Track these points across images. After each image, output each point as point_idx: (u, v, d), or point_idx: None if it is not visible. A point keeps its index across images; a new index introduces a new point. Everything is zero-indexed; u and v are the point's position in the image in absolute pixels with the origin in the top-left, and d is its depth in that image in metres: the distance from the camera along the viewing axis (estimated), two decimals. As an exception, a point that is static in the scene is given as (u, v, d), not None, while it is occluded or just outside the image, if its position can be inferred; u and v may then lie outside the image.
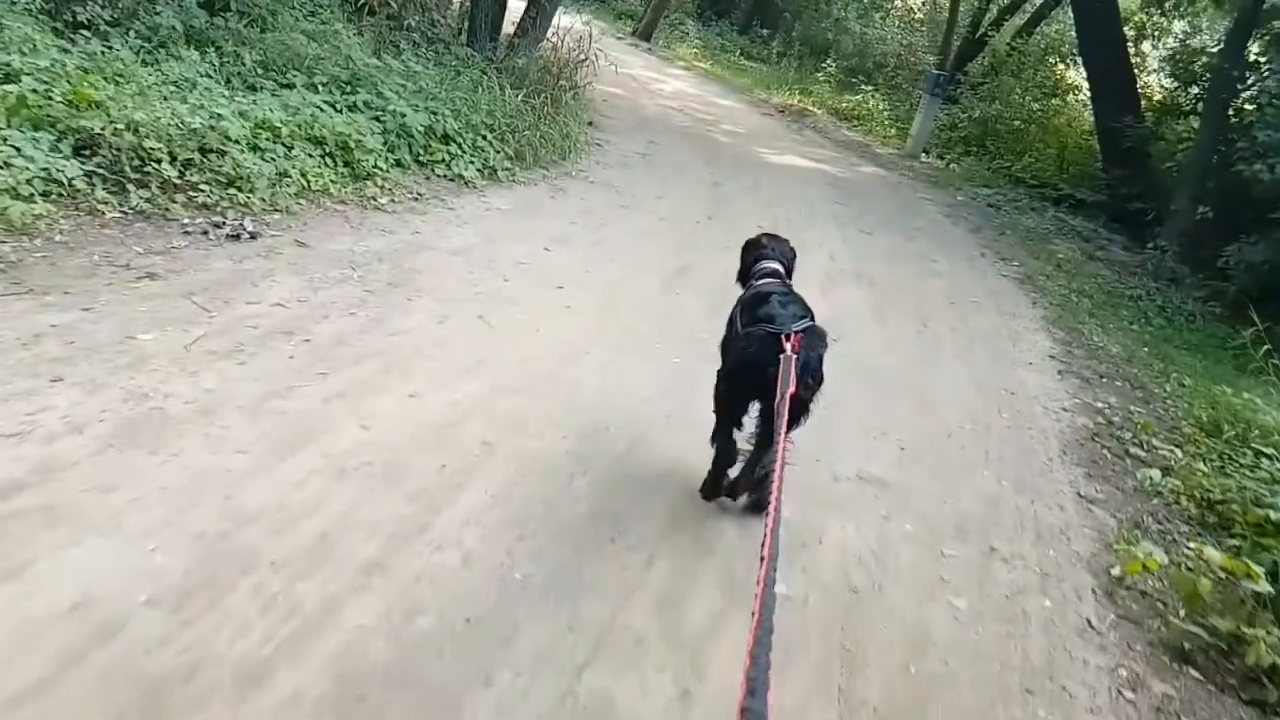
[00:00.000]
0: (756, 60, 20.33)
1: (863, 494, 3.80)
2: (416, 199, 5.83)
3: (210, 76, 5.70)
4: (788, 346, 2.71)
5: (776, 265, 3.46)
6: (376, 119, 6.32)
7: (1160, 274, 9.20)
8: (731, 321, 3.21)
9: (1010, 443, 4.73)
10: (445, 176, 6.41)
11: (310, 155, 5.51)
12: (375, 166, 5.86)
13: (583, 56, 9.44)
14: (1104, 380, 6.04)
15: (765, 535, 1.61)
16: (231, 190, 4.77)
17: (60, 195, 4.17)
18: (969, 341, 5.97)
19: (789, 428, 2.49)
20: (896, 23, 21.21)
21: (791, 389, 2.51)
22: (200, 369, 3.33)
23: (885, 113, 15.48)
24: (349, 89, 6.46)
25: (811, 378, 2.78)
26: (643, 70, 14.80)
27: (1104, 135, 12.25)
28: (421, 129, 6.40)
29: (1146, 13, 18.61)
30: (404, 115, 6.34)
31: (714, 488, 3.24)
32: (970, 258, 8.21)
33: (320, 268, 4.43)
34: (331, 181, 5.46)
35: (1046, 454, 4.77)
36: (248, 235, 4.53)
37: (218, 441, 2.97)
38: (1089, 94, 13.51)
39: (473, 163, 6.66)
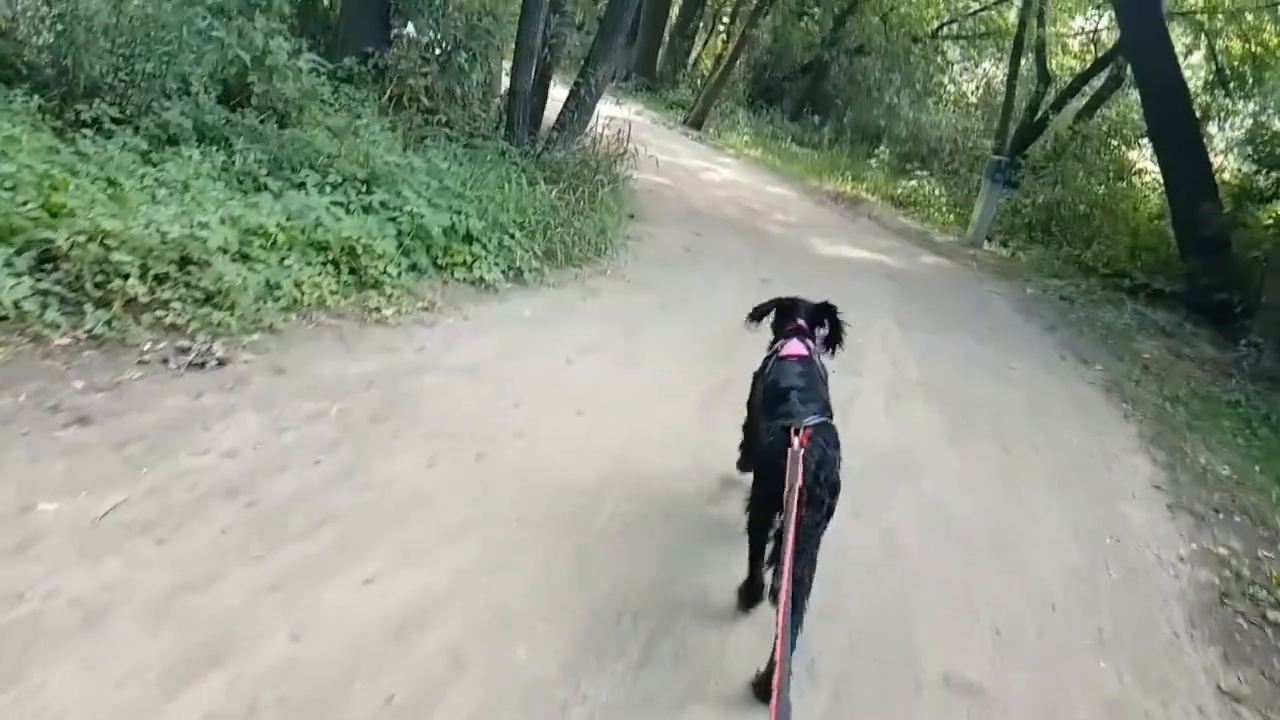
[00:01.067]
0: (808, 147, 19.80)
1: (953, 710, 2.86)
2: (428, 308, 5.15)
3: (211, 177, 5.16)
4: (796, 441, 2.61)
5: (803, 329, 3.46)
6: (392, 220, 5.72)
7: (1258, 375, 8.07)
8: (754, 382, 3.45)
9: (1125, 613, 3.75)
10: (465, 280, 5.74)
11: (309, 263, 4.89)
12: (385, 273, 5.21)
13: (623, 149, 8.84)
14: (1220, 516, 5.01)
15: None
16: (207, 308, 4.12)
17: (2, 319, 3.55)
18: (1059, 470, 5.00)
19: (811, 539, 2.55)
20: (950, 108, 20.56)
21: (799, 482, 2.46)
22: (105, 552, 2.59)
23: (943, 199, 14.68)
24: (365, 189, 5.90)
25: (826, 480, 2.63)
26: (691, 159, 14.29)
27: (1180, 222, 11.24)
28: (441, 230, 5.78)
29: (1211, 95, 17.68)
30: (422, 216, 5.74)
31: (753, 593, 2.96)
32: (1049, 362, 7.23)
33: (293, 401, 3.72)
34: (330, 292, 4.82)
35: (1171, 627, 3.78)
36: (215, 362, 3.85)
37: (96, 668, 2.21)
38: (1160, 178, 12.57)
39: (497, 264, 6.00)
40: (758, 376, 3.41)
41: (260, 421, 3.51)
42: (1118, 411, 6.30)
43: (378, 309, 4.89)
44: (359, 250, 5.16)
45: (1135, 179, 15.87)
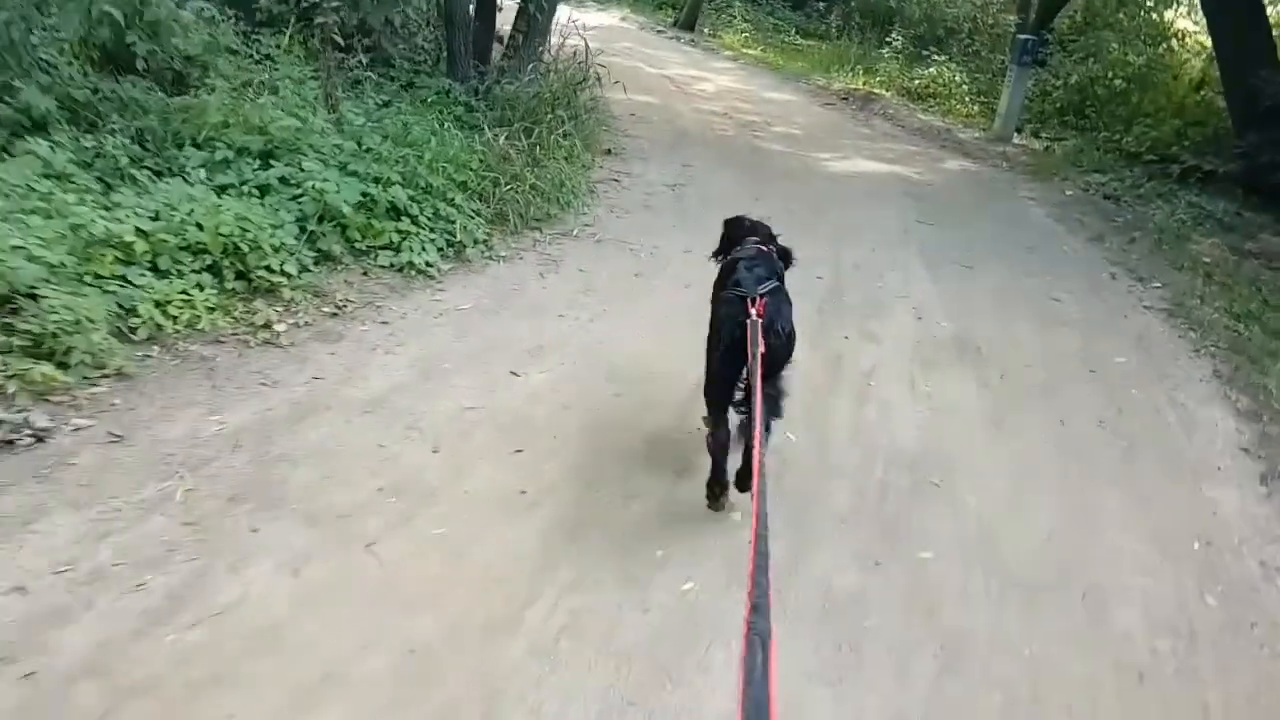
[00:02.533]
0: (814, 38, 18.08)
1: None
2: (336, 312, 4.18)
3: (58, 177, 4.16)
4: (753, 311, 2.68)
5: (760, 247, 3.32)
6: (295, 200, 4.71)
7: (1335, 267, 6.89)
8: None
9: (1235, 669, 2.80)
10: (391, 266, 4.75)
11: (180, 274, 3.93)
12: (281, 272, 4.24)
13: (584, 74, 7.63)
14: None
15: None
16: (29, 361, 3.20)
17: None
18: (1129, 446, 3.98)
19: (768, 381, 2.70)
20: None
21: (761, 349, 2.53)
22: None
23: (964, 87, 13.15)
24: (262, 163, 4.87)
25: (786, 337, 2.82)
26: (682, 68, 12.89)
27: (1234, 92, 9.76)
28: (355, 206, 4.75)
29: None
30: (333, 190, 4.70)
31: (717, 489, 2.97)
32: (1099, 285, 6.10)
33: (127, 486, 2.82)
34: (207, 309, 3.86)
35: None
36: (30, 436, 2.96)
37: None
38: (1210, 42, 10.99)
39: (431, 241, 4.99)
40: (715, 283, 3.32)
41: (74, 526, 2.62)
42: (1185, 344, 5.20)
43: (267, 324, 3.93)
44: (245, 247, 4.18)
45: (1174, 42, 14.14)
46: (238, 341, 3.78)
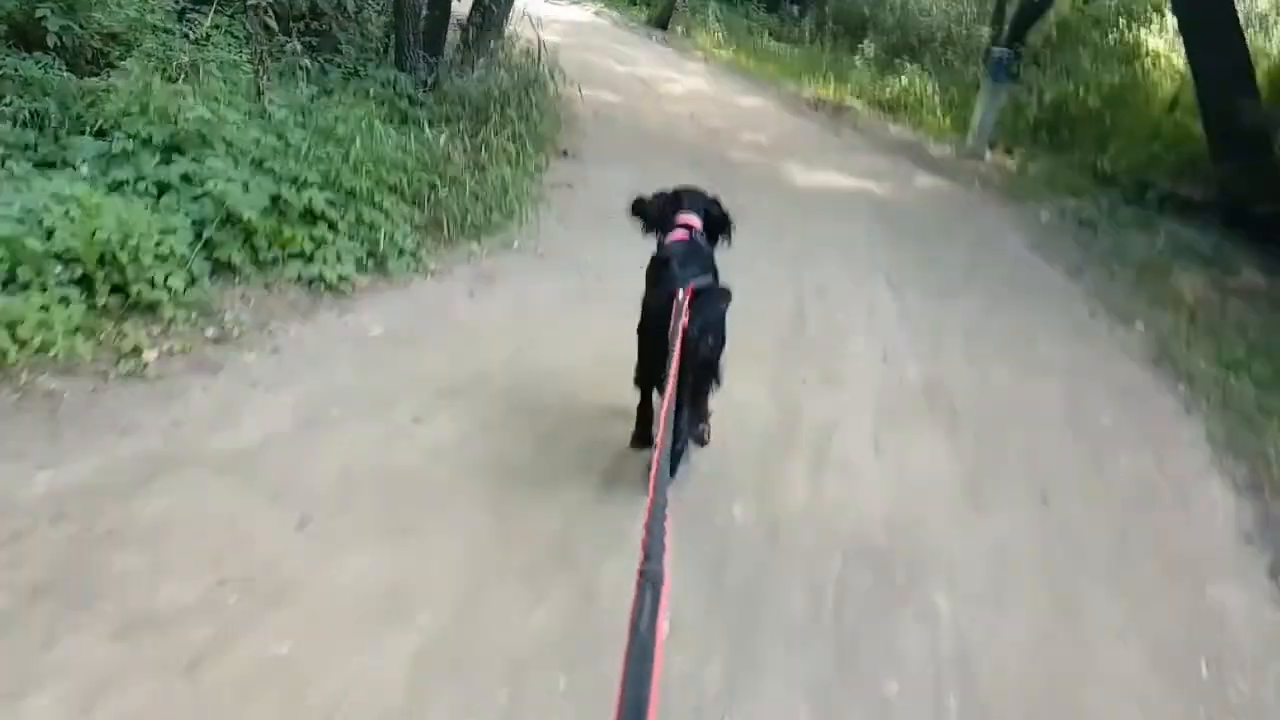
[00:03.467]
0: (787, 42, 17.51)
1: None
2: (220, 337, 3.52)
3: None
4: (681, 293, 2.61)
5: (693, 218, 3.24)
6: (195, 201, 4.03)
7: (1320, 309, 6.49)
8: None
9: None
10: (299, 280, 4.08)
11: (43, 287, 3.25)
12: (165, 286, 3.57)
13: (537, 71, 6.98)
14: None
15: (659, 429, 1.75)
16: None
17: None
18: (1120, 533, 3.45)
19: (700, 394, 2.88)
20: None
21: (683, 322, 2.48)
22: None
23: (936, 99, 12.66)
24: (164, 157, 4.17)
25: (712, 335, 2.75)
26: (651, 67, 12.24)
27: (1212, 119, 9.35)
28: (261, 211, 4.07)
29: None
30: (241, 191, 4.02)
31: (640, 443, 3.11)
32: (1080, 326, 5.60)
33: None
34: (67, 331, 3.19)
35: None
36: None
37: None
38: (1185, 63, 10.61)
39: (349, 252, 4.33)
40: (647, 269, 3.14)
41: None
42: (1174, 400, 4.71)
43: (136, 350, 3.26)
44: (125, 256, 3.50)
45: (1148, 62, 13.81)
46: (95, 373, 3.11)
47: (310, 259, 4.20)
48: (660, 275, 2.86)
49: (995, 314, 5.47)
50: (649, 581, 1.10)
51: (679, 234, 3.12)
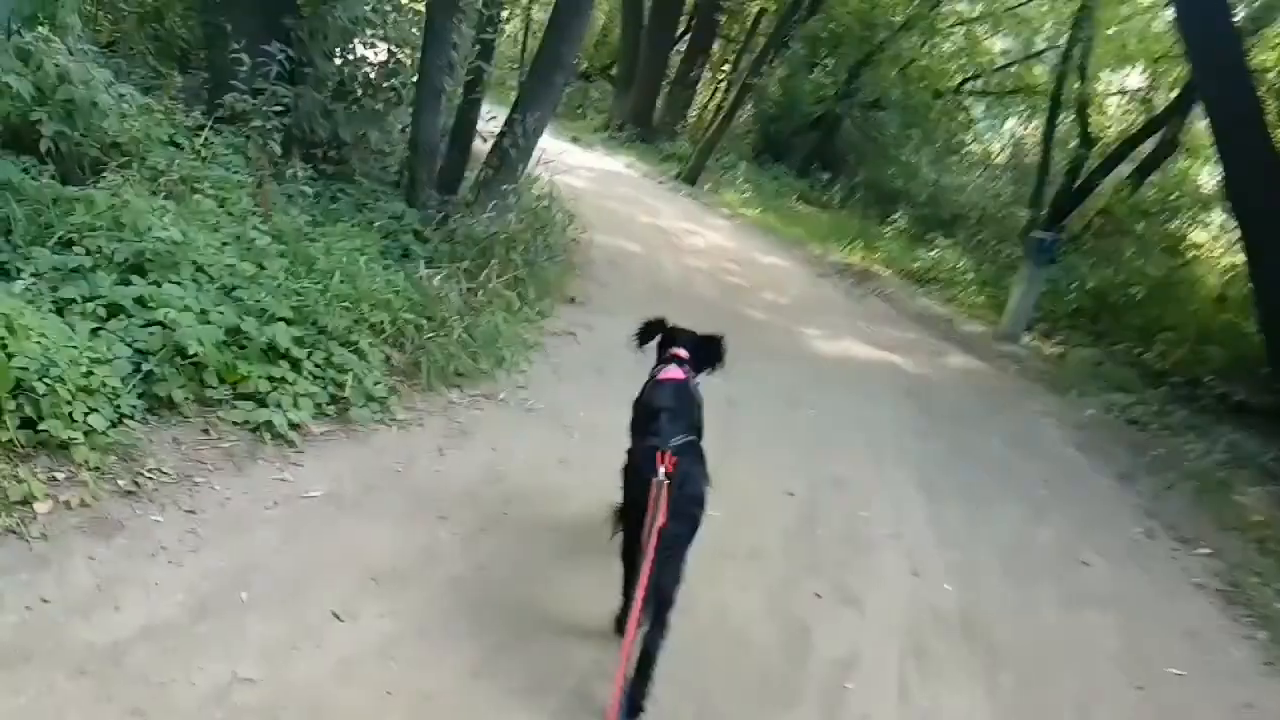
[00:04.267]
0: (815, 206, 17.88)
1: None
2: (133, 489, 3.09)
3: None
4: (661, 470, 2.66)
5: (682, 353, 3.42)
6: (147, 328, 3.72)
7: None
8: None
9: None
10: (245, 425, 3.70)
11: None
12: (84, 424, 3.19)
13: (549, 218, 6.89)
14: None
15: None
16: None
17: None
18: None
19: (677, 551, 2.67)
20: (976, 169, 18.64)
21: (661, 522, 2.51)
22: None
23: (969, 275, 12.63)
24: (121, 278, 3.92)
25: (690, 496, 2.72)
26: (675, 219, 12.33)
27: (1271, 319, 9.13)
28: (215, 344, 3.75)
29: None
30: (178, 323, 3.71)
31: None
32: (1135, 546, 5.09)
33: None
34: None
35: None
36: None
37: None
38: (1246, 261, 10.51)
39: (309, 396, 3.96)
40: (635, 402, 3.36)
41: None
42: (1253, 649, 4.14)
43: (27, 500, 2.84)
44: (43, 387, 3.15)
45: (1192, 255, 13.87)
46: (-49, 541, 2.67)
47: (263, 401, 3.83)
48: (645, 421, 3.07)
49: (1039, 525, 4.97)
50: None
51: (671, 371, 3.29)
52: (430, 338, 4.71)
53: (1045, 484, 5.68)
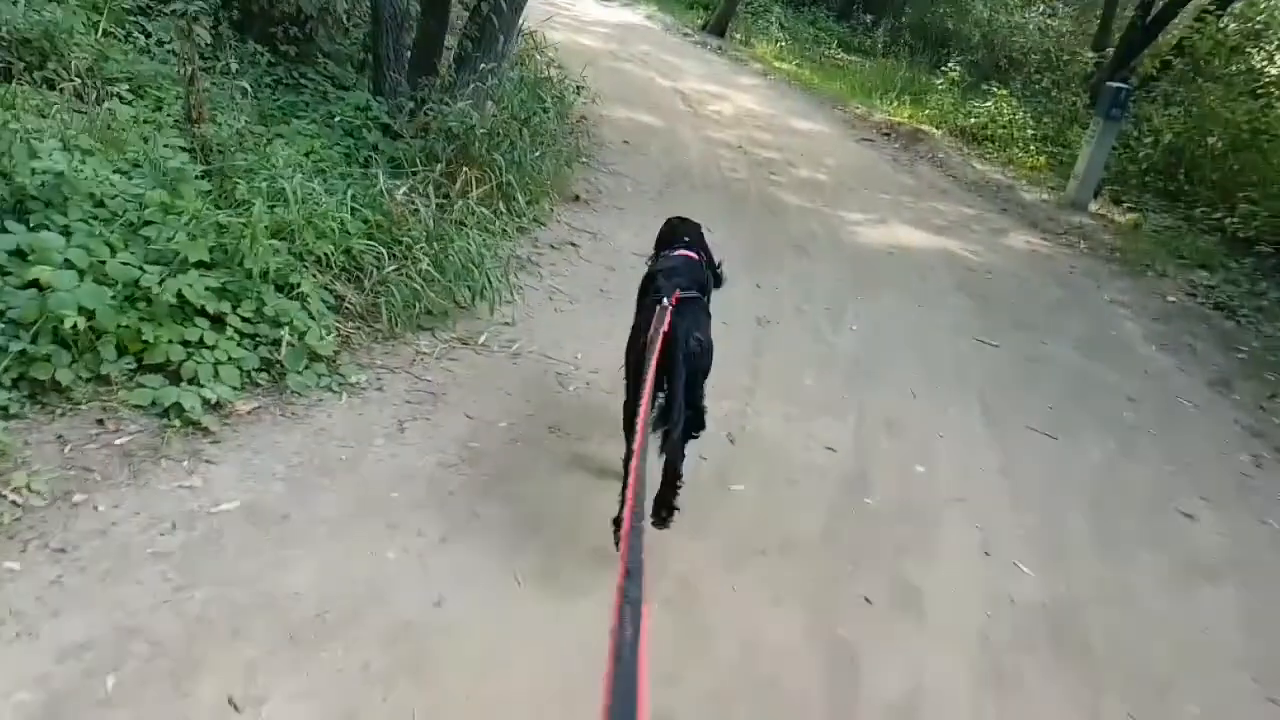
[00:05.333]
0: (858, 53, 16.16)
1: None
2: (-22, 525, 2.39)
3: None
4: (666, 301, 2.63)
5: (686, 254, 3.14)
6: (21, 291, 2.95)
7: None
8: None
9: None
10: (151, 408, 2.95)
11: None
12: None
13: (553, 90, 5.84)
14: None
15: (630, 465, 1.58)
16: None
17: None
18: None
19: (691, 396, 2.62)
20: (1035, 4, 16.57)
21: (665, 328, 2.49)
22: None
23: (1028, 130, 11.23)
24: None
25: (699, 334, 2.69)
26: (700, 82, 11.02)
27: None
28: (108, 306, 2.96)
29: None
30: (53, 284, 2.92)
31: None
32: (1242, 483, 4.24)
33: None
34: None
35: None
36: None
37: None
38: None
39: (236, 361, 3.19)
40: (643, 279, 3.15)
41: None
42: None
43: None
44: None
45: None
46: None
47: (176, 374, 3.07)
48: (649, 287, 2.94)
49: (1128, 461, 4.14)
50: (629, 606, 1.07)
51: (680, 251, 3.13)
52: (393, 270, 3.86)
53: (1129, 402, 4.80)
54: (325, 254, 3.74)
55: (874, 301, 5.48)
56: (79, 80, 4.44)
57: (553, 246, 5.12)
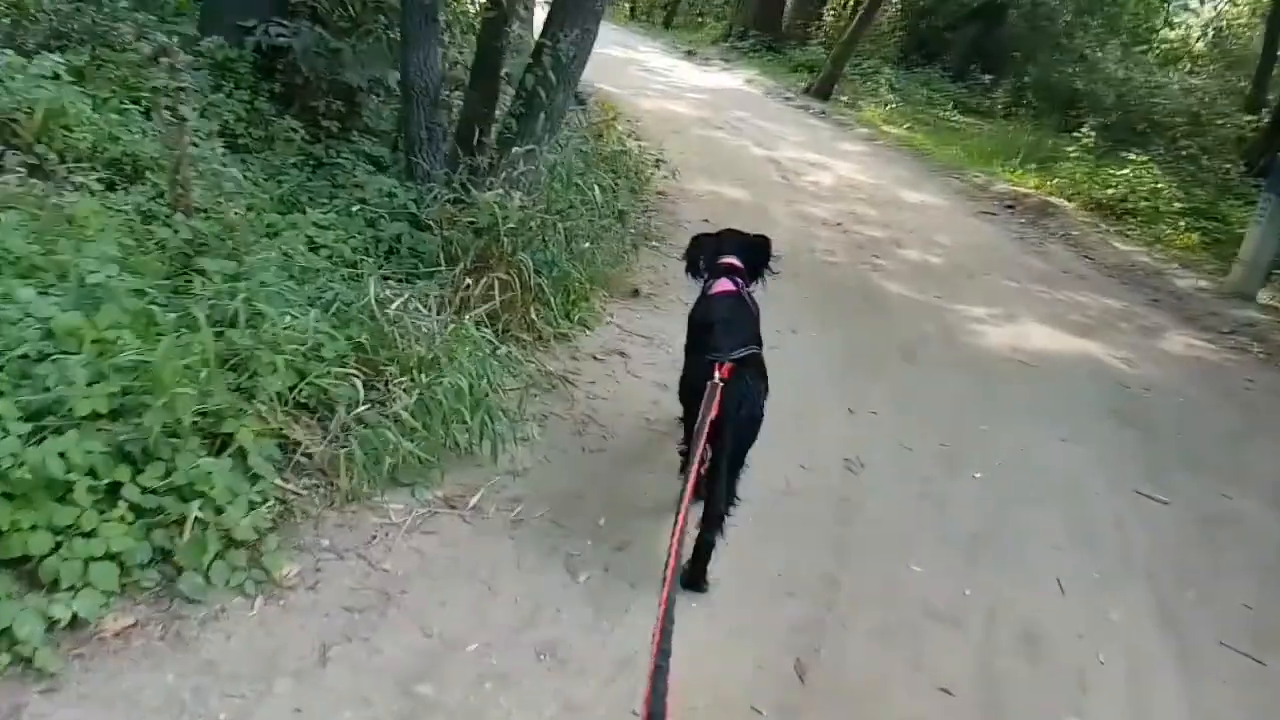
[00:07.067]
0: (975, 115, 14.80)
1: None
2: None
3: None
4: (717, 374, 2.56)
5: (734, 261, 3.22)
6: None
7: None
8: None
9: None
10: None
11: None
12: None
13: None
14: None
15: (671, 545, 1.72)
16: None
17: None
18: None
19: (736, 461, 2.69)
20: (1177, 63, 14.85)
21: (714, 413, 2.42)
22: None
23: (1177, 203, 9.64)
24: None
25: (748, 412, 2.62)
26: (797, 150, 9.99)
27: None
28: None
29: None
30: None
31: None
32: None
33: None
34: None
35: None
36: None
37: None
38: None
39: (105, 559, 2.30)
40: (689, 318, 3.18)
41: None
42: None
43: None
44: None
45: None
46: None
47: (33, 576, 2.21)
48: (701, 342, 2.88)
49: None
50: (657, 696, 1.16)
51: (723, 284, 3.07)
52: (367, 409, 2.94)
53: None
54: (281, 392, 2.86)
55: (1003, 433, 4.24)
56: (61, 162, 3.80)
57: (595, 357, 4.14)
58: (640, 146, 7.52)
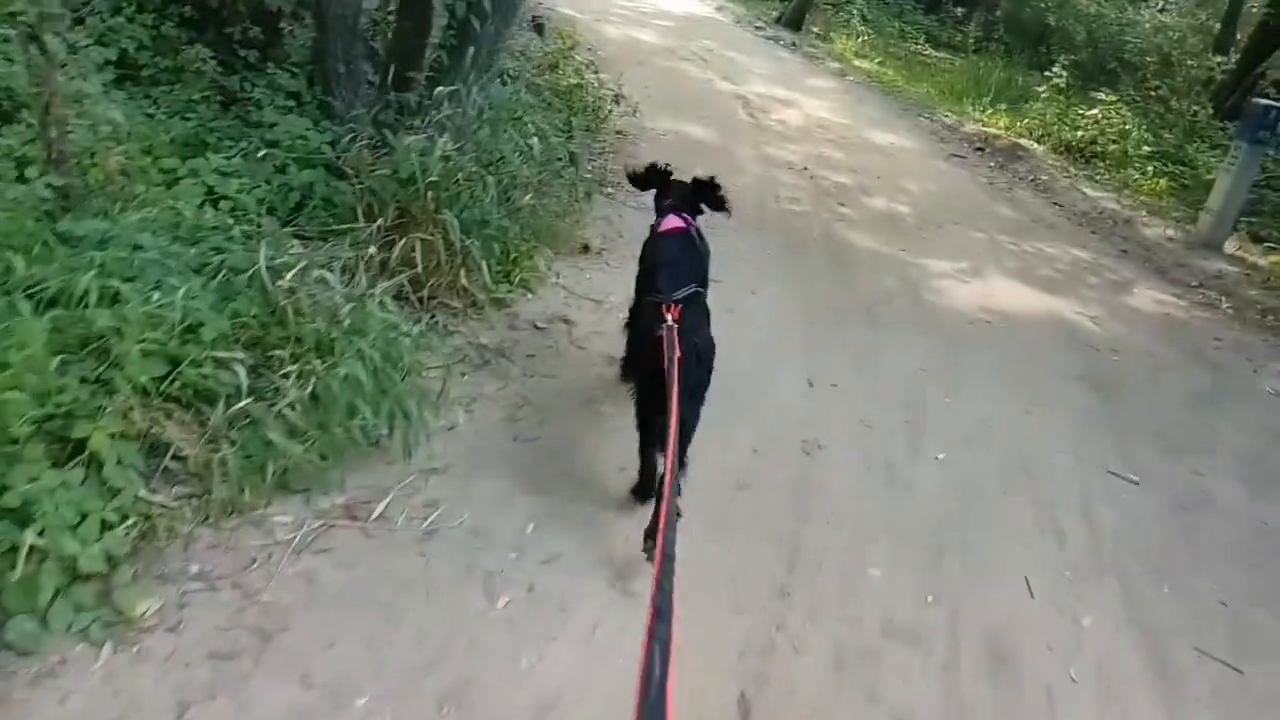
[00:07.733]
0: (946, 49, 14.07)
1: None
2: None
3: None
4: (669, 316, 2.47)
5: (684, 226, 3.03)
6: None
7: None
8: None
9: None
10: None
11: None
12: None
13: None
14: None
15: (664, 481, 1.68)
16: None
17: None
18: None
19: (694, 398, 2.50)
20: (1151, 1, 14.16)
21: (678, 354, 2.33)
22: None
23: (1146, 146, 9.18)
24: None
25: (701, 348, 2.53)
26: (766, 85, 9.32)
27: None
28: None
29: None
30: None
31: (647, 483, 2.64)
32: None
33: None
34: None
35: None
36: None
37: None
38: None
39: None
40: (640, 258, 3.09)
41: None
42: None
43: None
44: None
45: None
46: None
47: None
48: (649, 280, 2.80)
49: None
50: (658, 644, 1.06)
51: (672, 220, 3.01)
52: (252, 401, 2.45)
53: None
54: (145, 381, 2.36)
55: (968, 404, 3.86)
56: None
57: (536, 326, 3.65)
58: (600, 80, 6.88)
